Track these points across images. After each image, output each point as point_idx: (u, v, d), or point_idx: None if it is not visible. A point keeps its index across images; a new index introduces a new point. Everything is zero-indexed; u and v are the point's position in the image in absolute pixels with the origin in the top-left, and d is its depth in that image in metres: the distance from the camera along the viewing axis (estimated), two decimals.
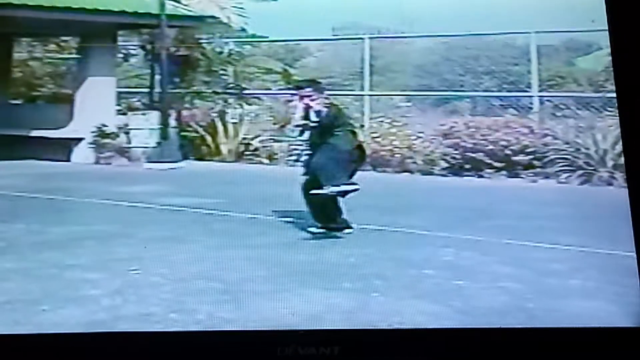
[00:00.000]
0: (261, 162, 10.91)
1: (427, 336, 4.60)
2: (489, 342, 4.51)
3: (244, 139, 11.20)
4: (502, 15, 9.76)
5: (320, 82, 7.53)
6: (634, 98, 5.14)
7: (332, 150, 6.84)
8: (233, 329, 4.79)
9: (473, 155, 9.94)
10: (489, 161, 9.85)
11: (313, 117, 6.97)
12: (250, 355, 4.41)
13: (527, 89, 10.84)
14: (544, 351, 4.43)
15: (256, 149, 11.09)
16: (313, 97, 7.00)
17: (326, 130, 6.94)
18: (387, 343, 4.51)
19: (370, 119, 11.01)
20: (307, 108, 6.99)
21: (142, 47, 12.41)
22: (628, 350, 4.48)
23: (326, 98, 7.12)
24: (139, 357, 4.40)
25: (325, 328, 4.73)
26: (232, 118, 11.47)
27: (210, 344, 4.49)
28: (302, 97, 7.06)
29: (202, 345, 4.52)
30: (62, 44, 13.02)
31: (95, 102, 11.21)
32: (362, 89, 11.32)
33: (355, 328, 4.74)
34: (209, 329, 4.76)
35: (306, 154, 7.17)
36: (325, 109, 6.99)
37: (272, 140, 11.08)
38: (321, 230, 6.88)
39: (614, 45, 5.29)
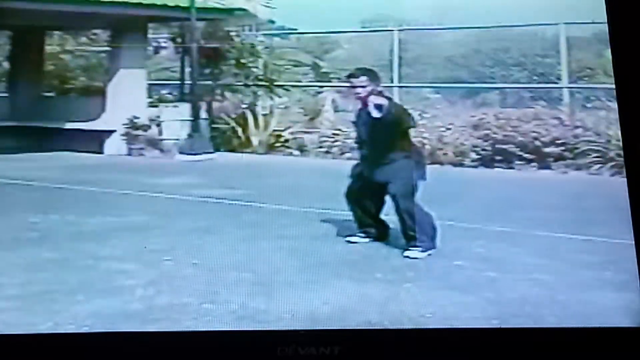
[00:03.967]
0: (292, 154, 10.94)
1: (427, 336, 4.61)
2: (489, 342, 4.51)
3: (275, 130, 11.25)
4: (531, 6, 9.70)
5: (375, 71, 6.64)
6: (634, 94, 5.13)
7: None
8: (233, 329, 4.82)
9: (503, 147, 9.90)
10: (520, 153, 9.81)
11: (374, 113, 6.23)
12: (250, 355, 4.42)
13: (557, 81, 10.79)
14: (544, 351, 4.43)
15: (287, 140, 11.12)
16: (370, 88, 6.34)
17: (388, 130, 6.33)
18: (387, 343, 4.52)
19: None
20: (365, 100, 6.32)
21: (173, 40, 12.47)
22: (628, 350, 4.47)
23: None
24: (139, 357, 4.43)
25: (325, 328, 4.77)
26: (263, 110, 11.51)
27: (211, 344, 4.51)
28: (355, 88, 6.39)
29: (202, 345, 4.53)
30: (93, 37, 13.12)
31: (127, 94, 11.27)
32: (391, 81, 11.30)
33: (355, 328, 4.76)
34: (209, 329, 4.79)
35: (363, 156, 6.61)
36: (386, 103, 6.28)
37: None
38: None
39: (613, 41, 5.27)
